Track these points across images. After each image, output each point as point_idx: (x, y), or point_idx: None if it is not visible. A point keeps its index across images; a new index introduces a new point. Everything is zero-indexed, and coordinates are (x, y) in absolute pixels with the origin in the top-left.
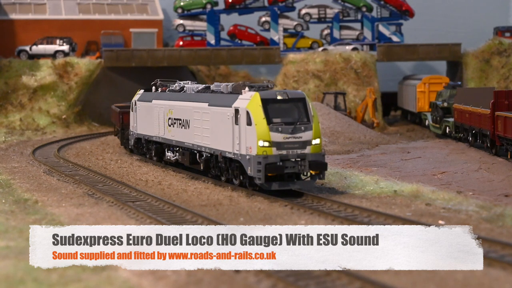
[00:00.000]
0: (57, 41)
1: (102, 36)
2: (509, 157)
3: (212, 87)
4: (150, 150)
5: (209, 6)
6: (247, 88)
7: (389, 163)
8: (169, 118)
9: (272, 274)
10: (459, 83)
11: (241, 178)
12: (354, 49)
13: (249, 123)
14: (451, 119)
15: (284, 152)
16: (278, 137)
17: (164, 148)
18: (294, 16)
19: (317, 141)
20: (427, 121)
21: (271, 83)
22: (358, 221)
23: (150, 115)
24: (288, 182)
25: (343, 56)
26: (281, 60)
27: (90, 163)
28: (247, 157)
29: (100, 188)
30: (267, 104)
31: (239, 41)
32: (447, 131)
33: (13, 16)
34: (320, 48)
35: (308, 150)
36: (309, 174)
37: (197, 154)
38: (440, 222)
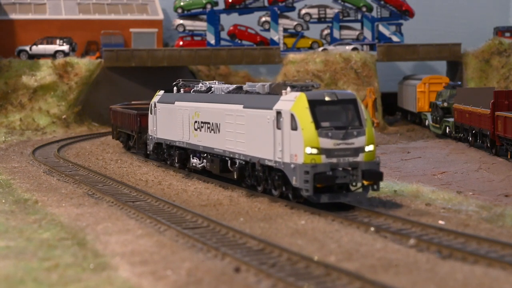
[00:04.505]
0: (57, 41)
1: (102, 36)
2: (509, 157)
3: (245, 87)
4: (172, 156)
5: (209, 6)
6: (289, 88)
7: (389, 163)
8: (195, 122)
9: (272, 274)
10: (459, 83)
11: (283, 189)
12: (354, 49)
13: (294, 127)
14: (451, 119)
15: (334, 160)
16: (327, 143)
17: (188, 154)
18: (294, 16)
19: (370, 147)
20: (427, 121)
21: (316, 83)
22: (358, 221)
23: (173, 118)
24: (338, 194)
25: (343, 56)
26: (281, 60)
27: (90, 163)
28: (292, 165)
29: (100, 188)
30: (315, 106)
31: (239, 41)
32: (447, 131)
33: (13, 16)
34: (320, 48)
35: (361, 157)
36: (360, 184)
37: (229, 161)
38: (440, 222)
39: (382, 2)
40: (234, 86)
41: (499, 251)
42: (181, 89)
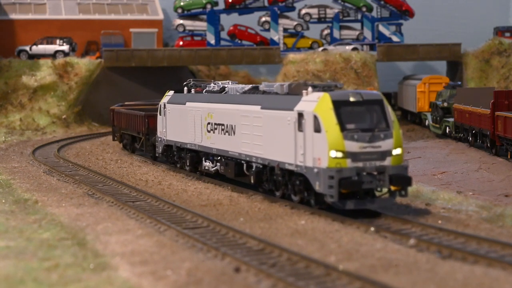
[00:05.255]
0: (57, 41)
1: (102, 36)
2: (509, 157)
3: (262, 87)
4: (183, 159)
5: (209, 6)
6: (310, 89)
7: None
8: (208, 123)
9: (272, 274)
10: (459, 83)
11: (305, 195)
12: (354, 49)
13: (317, 129)
14: (451, 119)
15: (360, 164)
16: (353, 146)
17: (201, 157)
18: (294, 16)
19: (398, 151)
20: (427, 121)
21: (339, 83)
22: (358, 221)
23: (184, 120)
24: (364, 201)
25: (343, 56)
26: (281, 60)
27: (90, 163)
28: (315, 170)
29: (100, 188)
30: (339, 107)
31: (239, 41)
32: (447, 131)
33: (13, 16)
34: (320, 48)
35: (388, 161)
36: (385, 190)
37: (245, 165)
38: (440, 222)
39: (382, 2)
40: (250, 86)
41: (499, 251)
42: (192, 90)
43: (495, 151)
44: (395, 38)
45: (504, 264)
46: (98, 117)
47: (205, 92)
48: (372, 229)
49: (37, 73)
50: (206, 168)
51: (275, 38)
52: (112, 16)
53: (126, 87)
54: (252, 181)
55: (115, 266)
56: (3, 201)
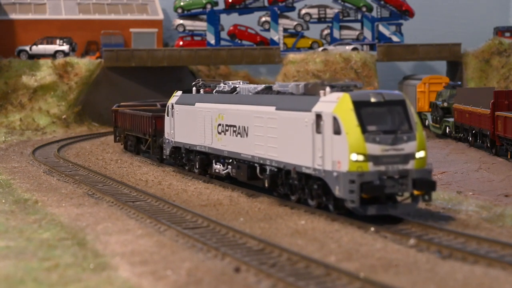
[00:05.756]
0: (57, 41)
1: (102, 36)
2: (509, 157)
3: (276, 87)
4: (192, 161)
5: (209, 6)
6: (328, 88)
7: None
8: (219, 125)
9: (272, 274)
10: (459, 83)
11: (323, 199)
12: (354, 49)
13: (337, 131)
14: (451, 119)
15: (382, 167)
16: (375, 149)
17: (211, 159)
18: (294, 16)
19: (421, 154)
20: (427, 121)
21: (359, 82)
22: (358, 221)
23: (193, 121)
24: (386, 206)
25: (343, 56)
26: (281, 60)
27: (90, 163)
28: (334, 173)
29: (100, 188)
30: (360, 108)
31: (239, 41)
32: (447, 131)
33: (13, 16)
34: (320, 48)
35: (411, 165)
36: (408, 194)
37: (258, 168)
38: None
39: (382, 2)
40: (263, 86)
41: (499, 251)
42: (201, 90)
43: (495, 151)
44: (395, 38)
45: (504, 264)
46: (98, 117)
47: (215, 92)
48: (372, 229)
49: (37, 73)
50: (217, 171)
51: (275, 38)
52: (112, 16)
53: (126, 87)
54: (266, 185)
55: (115, 266)
56: (3, 201)
